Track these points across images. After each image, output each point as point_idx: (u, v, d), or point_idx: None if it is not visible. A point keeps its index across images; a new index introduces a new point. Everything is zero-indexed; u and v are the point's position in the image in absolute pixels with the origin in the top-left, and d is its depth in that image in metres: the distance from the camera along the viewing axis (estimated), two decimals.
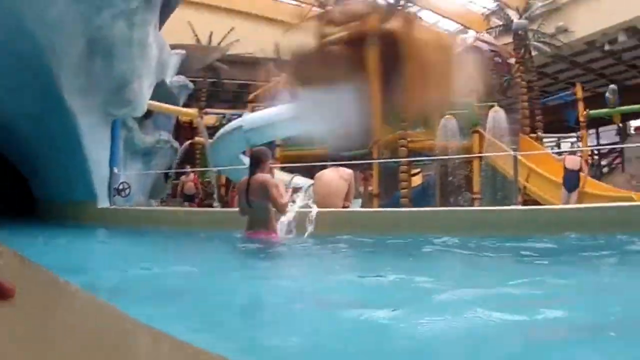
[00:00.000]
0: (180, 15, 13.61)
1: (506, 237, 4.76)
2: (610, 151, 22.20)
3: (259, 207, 4.64)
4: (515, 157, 8.39)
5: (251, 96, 17.36)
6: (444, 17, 19.22)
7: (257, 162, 4.80)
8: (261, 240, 4.61)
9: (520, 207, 6.75)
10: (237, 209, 5.09)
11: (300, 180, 14.62)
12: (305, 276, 3.52)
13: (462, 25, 19.31)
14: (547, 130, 16.75)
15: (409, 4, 14.63)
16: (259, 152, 5.01)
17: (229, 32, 18.80)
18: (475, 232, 4.94)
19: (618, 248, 4.22)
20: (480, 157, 12.89)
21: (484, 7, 17.60)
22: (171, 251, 5.08)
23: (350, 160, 13.58)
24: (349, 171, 6.56)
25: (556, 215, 5.32)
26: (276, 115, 14.73)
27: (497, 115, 13.82)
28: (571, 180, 10.90)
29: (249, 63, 19.47)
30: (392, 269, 3.37)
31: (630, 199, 9.74)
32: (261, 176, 4.67)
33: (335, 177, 6.41)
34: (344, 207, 6.24)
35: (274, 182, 4.67)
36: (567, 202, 10.54)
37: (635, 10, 16.13)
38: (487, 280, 3.08)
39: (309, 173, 14.11)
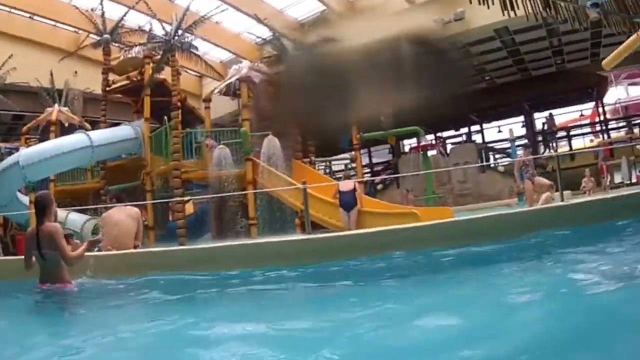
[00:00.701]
0: None
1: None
2: (385, 168, 24.87)
3: (51, 259, 4.35)
4: (305, 190, 8.91)
5: (24, 128, 16.02)
6: (216, 45, 19.75)
7: (42, 209, 4.48)
8: (56, 292, 4.33)
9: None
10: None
11: (75, 217, 13.85)
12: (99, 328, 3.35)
13: (235, 54, 19.99)
14: (320, 154, 17.90)
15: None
16: (44, 198, 4.61)
17: (7, 59, 16.96)
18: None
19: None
20: (259, 186, 13.44)
21: (258, 37, 18.38)
22: None
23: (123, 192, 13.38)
24: (136, 209, 6.51)
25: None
26: (56, 148, 13.79)
27: (272, 142, 14.57)
28: (347, 201, 11.62)
29: (25, 92, 17.95)
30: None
31: (415, 216, 10.58)
32: (50, 225, 4.39)
33: (123, 216, 6.29)
34: (134, 246, 6.14)
35: (61, 232, 4.40)
36: (347, 221, 11.43)
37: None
38: None
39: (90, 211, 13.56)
